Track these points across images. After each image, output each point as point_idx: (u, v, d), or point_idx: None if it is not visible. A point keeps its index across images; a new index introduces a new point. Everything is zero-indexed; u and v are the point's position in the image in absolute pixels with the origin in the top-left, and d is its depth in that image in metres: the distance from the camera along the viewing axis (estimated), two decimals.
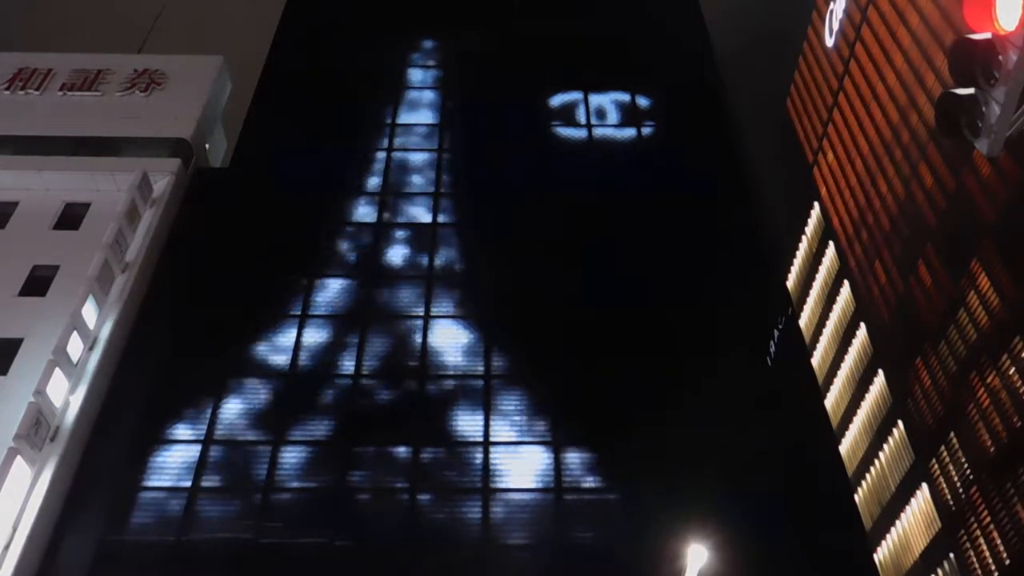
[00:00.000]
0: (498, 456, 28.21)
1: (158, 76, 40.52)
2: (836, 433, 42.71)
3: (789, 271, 52.54)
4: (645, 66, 43.74)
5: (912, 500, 35.27)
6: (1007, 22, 13.62)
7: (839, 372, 44.11)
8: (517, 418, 29.30)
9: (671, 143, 39.89)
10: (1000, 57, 13.76)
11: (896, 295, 37.26)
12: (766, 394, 29.46)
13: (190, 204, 36.96)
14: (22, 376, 28.63)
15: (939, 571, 32.76)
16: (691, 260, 33.99)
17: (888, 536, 37.44)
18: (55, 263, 32.77)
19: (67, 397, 28.24)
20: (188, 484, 27.37)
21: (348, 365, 30.88)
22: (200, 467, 27.81)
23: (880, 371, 38.90)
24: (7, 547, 24.82)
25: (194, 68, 41.38)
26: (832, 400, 44.51)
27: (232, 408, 29.50)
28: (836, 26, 47.33)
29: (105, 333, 30.44)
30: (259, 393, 30.00)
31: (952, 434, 31.85)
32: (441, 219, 36.56)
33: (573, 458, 28.23)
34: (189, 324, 31.85)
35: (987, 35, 14.01)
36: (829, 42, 48.28)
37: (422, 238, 35.64)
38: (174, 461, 28.04)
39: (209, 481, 27.58)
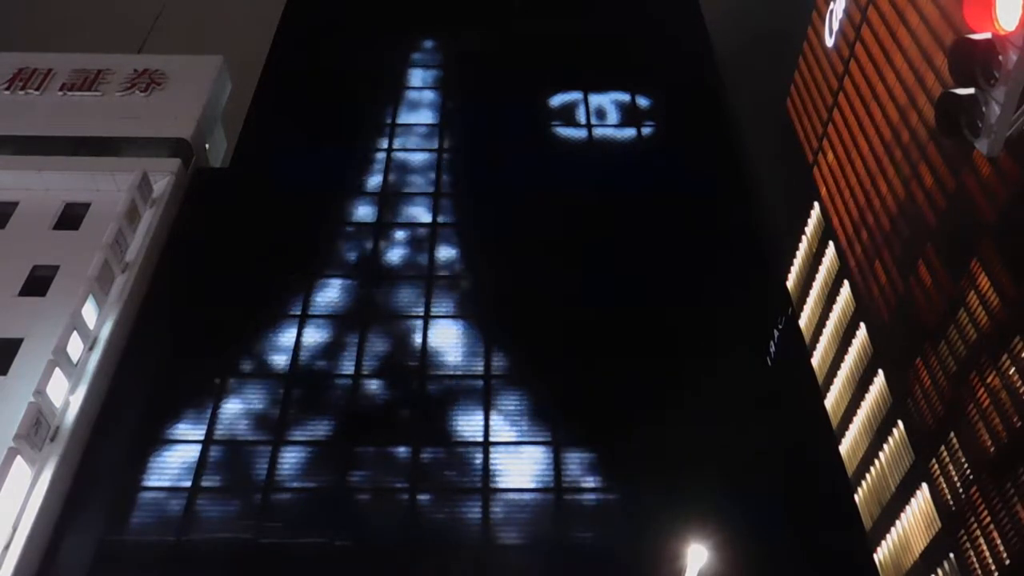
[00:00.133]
0: (498, 456, 28.20)
1: (158, 76, 40.52)
2: (836, 433, 42.71)
3: (789, 271, 52.54)
4: (645, 66, 43.74)
5: (912, 500, 35.27)
6: (1007, 22, 13.62)
7: (839, 372, 44.11)
8: (517, 418, 29.30)
9: (671, 143, 39.89)
10: (1000, 57, 13.76)
11: (896, 295, 37.26)
12: (766, 394, 29.46)
13: (190, 204, 36.96)
14: (22, 376, 28.63)
15: (939, 571, 32.76)
16: (691, 260, 33.98)
17: (888, 536, 37.44)
18: (55, 263, 32.77)
19: (67, 397, 28.24)
20: (188, 484, 27.36)
21: (348, 365, 30.88)
22: (200, 467, 27.81)
23: (880, 371, 38.90)
24: (7, 547, 24.82)
25: (194, 68, 41.38)
26: (832, 400, 44.51)
27: (232, 408, 29.51)
28: (836, 26, 47.34)
29: (105, 333, 30.44)
30: (259, 393, 29.99)
31: (952, 434, 31.85)
32: (441, 219, 36.56)
33: (573, 458, 28.23)
34: (189, 324, 31.84)
35: (987, 35, 14.01)
36: (829, 42, 48.28)
37: (422, 238, 35.64)
38: (174, 461, 28.04)
39: (209, 481, 27.58)
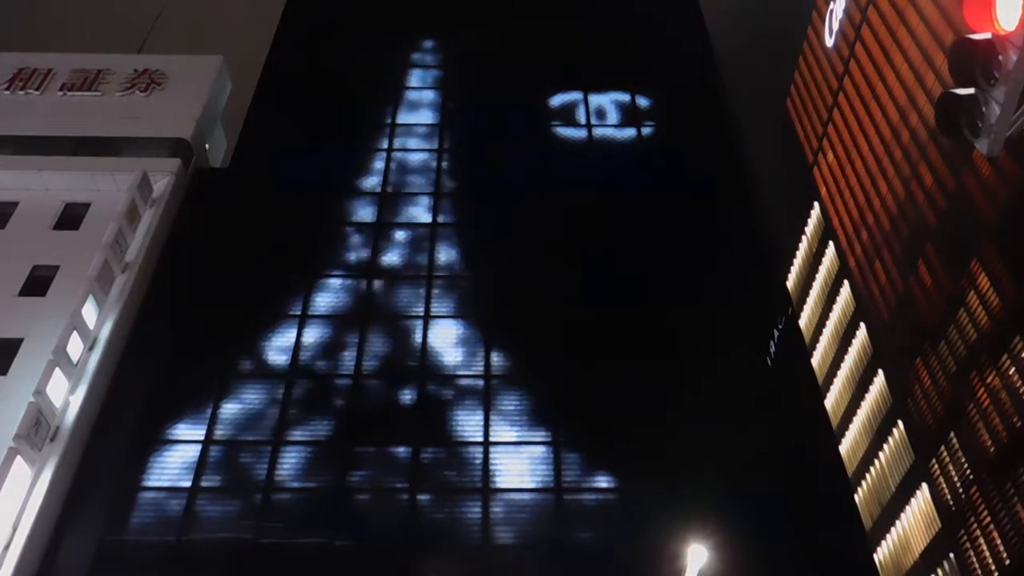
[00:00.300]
0: (498, 456, 28.20)
1: (158, 76, 40.52)
2: (836, 433, 42.71)
3: (789, 271, 52.54)
4: (645, 66, 43.74)
5: (912, 500, 35.27)
6: (1007, 22, 13.63)
7: (839, 372, 44.11)
8: (517, 418, 29.30)
9: (671, 143, 39.89)
10: (1000, 57, 13.77)
11: (896, 295, 37.26)
12: (766, 394, 29.47)
13: (190, 204, 36.95)
14: (22, 376, 28.62)
15: (939, 571, 32.76)
16: (691, 260, 33.99)
17: (888, 536, 37.44)
18: (55, 263, 32.76)
19: (67, 397, 28.24)
20: (188, 484, 27.36)
21: (348, 365, 30.87)
22: (200, 467, 27.80)
23: (880, 371, 38.90)
24: (7, 547, 24.82)
25: (194, 68, 41.37)
26: (832, 400, 44.51)
27: (232, 408, 29.50)
28: (836, 26, 47.34)
29: (105, 333, 30.44)
30: (259, 393, 29.99)
31: (952, 434, 31.85)
32: (441, 219, 36.56)
33: (573, 458, 28.23)
34: (189, 324, 31.84)
35: (987, 35, 14.01)
36: (829, 42, 48.28)
37: (422, 238, 35.64)
38: (174, 461, 28.04)
39: (209, 481, 27.58)
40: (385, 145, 40.07)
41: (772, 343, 32.50)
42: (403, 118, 41.65)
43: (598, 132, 40.64)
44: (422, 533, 26.47)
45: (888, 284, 38.18)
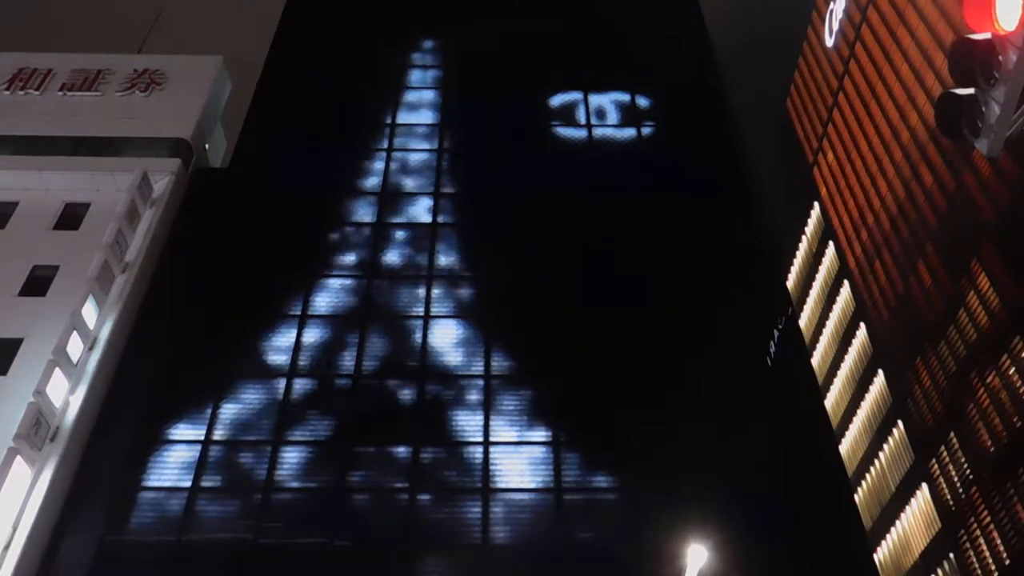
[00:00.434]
0: (498, 456, 28.20)
1: (158, 76, 40.52)
2: (836, 433, 42.73)
3: (789, 271, 52.56)
4: (645, 66, 43.73)
5: (912, 500, 35.28)
6: (1007, 22, 13.64)
7: (839, 372, 44.12)
8: (517, 418, 29.29)
9: (671, 143, 39.88)
10: (1000, 57, 13.77)
11: (896, 295, 37.27)
12: (766, 394, 29.46)
13: (190, 204, 36.95)
14: (22, 376, 28.62)
15: (939, 571, 32.77)
16: (691, 260, 33.98)
17: (888, 536, 37.45)
18: (55, 263, 32.76)
19: (67, 397, 28.23)
20: (188, 484, 27.35)
21: (348, 365, 30.87)
22: (200, 467, 27.79)
23: (880, 371, 38.91)
24: (7, 547, 24.82)
25: (194, 68, 41.37)
26: (832, 400, 44.52)
27: (232, 408, 29.48)
28: (836, 26, 47.35)
29: (105, 333, 30.44)
30: (259, 393, 29.98)
31: (952, 434, 31.86)
32: (441, 219, 36.56)
33: (573, 458, 28.22)
34: (189, 324, 31.84)
35: (987, 35, 14.02)
36: (829, 42, 48.30)
37: (422, 238, 35.64)
38: (174, 461, 28.03)
39: (209, 481, 27.57)
40: (385, 145, 40.06)
41: (772, 343, 32.49)
42: (403, 118, 41.63)
43: (598, 132, 40.63)
44: (422, 533, 26.47)
45: (888, 284, 38.19)
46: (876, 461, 39.22)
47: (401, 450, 28.40)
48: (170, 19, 53.48)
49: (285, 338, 31.67)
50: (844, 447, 42.34)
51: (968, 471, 30.65)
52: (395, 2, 49.14)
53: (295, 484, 27.62)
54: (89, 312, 30.03)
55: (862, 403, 41.01)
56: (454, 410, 29.54)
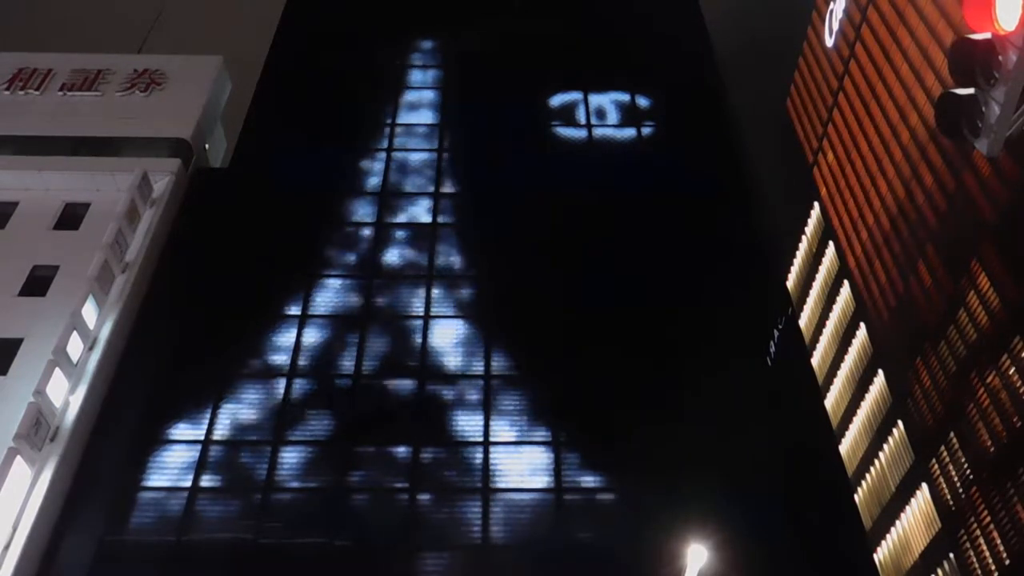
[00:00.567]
0: (498, 456, 28.20)
1: (158, 76, 40.52)
2: (836, 433, 42.72)
3: (789, 271, 52.55)
4: (645, 66, 43.73)
5: (912, 500, 35.27)
6: (1007, 22, 13.64)
7: (839, 372, 44.12)
8: (517, 418, 29.29)
9: (671, 143, 39.88)
10: (1000, 57, 13.78)
11: (896, 295, 37.26)
12: (766, 394, 29.46)
13: (190, 204, 36.95)
14: (22, 376, 28.62)
15: (939, 571, 32.76)
16: (691, 260, 33.98)
17: (888, 536, 37.45)
18: (55, 263, 32.76)
19: (67, 397, 28.24)
20: (188, 484, 27.35)
21: (348, 365, 30.87)
22: (200, 467, 27.80)
23: (880, 371, 38.91)
24: (7, 547, 24.82)
25: (194, 68, 41.37)
26: (832, 400, 44.52)
27: (232, 408, 29.49)
28: (836, 26, 47.35)
29: (105, 333, 30.44)
30: (259, 393, 29.99)
31: (952, 434, 31.86)
32: (441, 219, 36.56)
33: (573, 458, 28.22)
34: (189, 324, 31.84)
35: (987, 35, 14.02)
36: (829, 42, 48.30)
37: (422, 238, 35.64)
38: (174, 461, 28.03)
39: (209, 481, 27.57)
40: (385, 145, 40.07)
41: (772, 343, 32.49)
42: (403, 118, 41.63)
43: (598, 132, 40.63)
44: (422, 533, 26.47)
45: (888, 284, 38.19)
46: (876, 461, 39.22)
47: (401, 450, 28.40)
48: (170, 19, 53.49)
49: (285, 338, 31.67)
50: (844, 447, 42.34)
51: (968, 471, 30.64)
52: (395, 2, 49.14)
53: (295, 484, 27.62)
54: (89, 312, 30.04)
55: (862, 403, 41.00)
56: (454, 410, 29.54)
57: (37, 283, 32.17)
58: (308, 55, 45.08)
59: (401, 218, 36.64)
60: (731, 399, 28.82)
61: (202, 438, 28.56)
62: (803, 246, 51.02)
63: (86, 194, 35.67)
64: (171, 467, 27.88)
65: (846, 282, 43.50)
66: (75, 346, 28.99)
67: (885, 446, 38.27)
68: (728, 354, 30.40)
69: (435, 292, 33.37)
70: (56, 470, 26.59)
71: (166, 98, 39.71)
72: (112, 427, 29.00)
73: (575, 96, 42.51)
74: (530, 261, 34.25)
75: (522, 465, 28.02)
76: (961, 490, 31.02)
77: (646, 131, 40.75)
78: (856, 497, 38.13)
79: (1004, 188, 29.18)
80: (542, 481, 27.60)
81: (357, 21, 47.72)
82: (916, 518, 35.04)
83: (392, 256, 35.02)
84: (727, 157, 39.25)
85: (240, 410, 29.45)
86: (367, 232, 36.00)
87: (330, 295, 33.36)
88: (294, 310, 32.59)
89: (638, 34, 46.03)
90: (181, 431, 28.82)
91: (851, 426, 42.30)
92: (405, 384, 30.42)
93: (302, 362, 30.95)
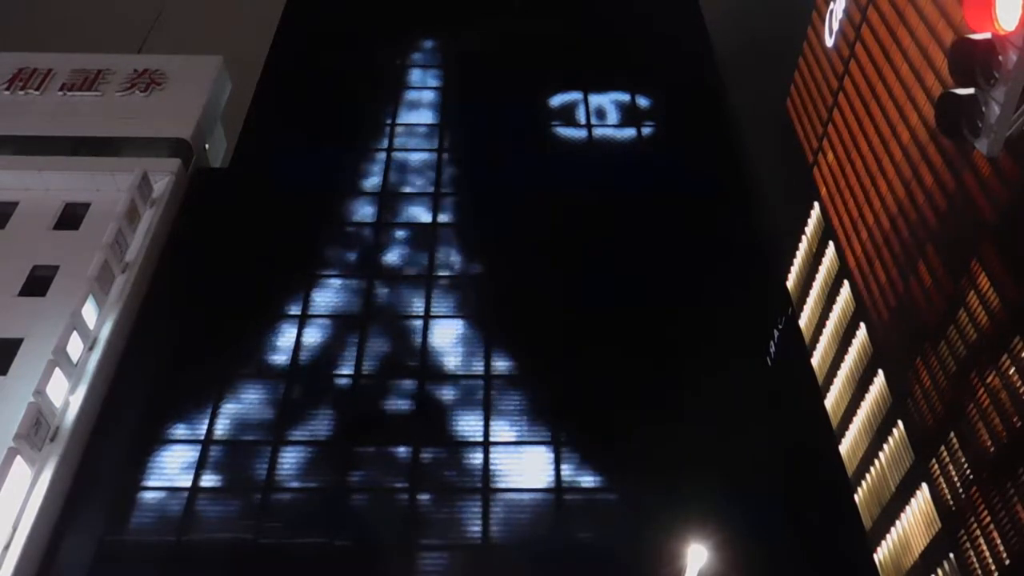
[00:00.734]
0: (498, 456, 28.20)
1: (158, 76, 40.52)
2: (836, 433, 42.72)
3: (789, 271, 52.55)
4: (645, 66, 43.73)
5: (912, 500, 35.28)
6: (1007, 22, 13.64)
7: (839, 372, 44.12)
8: (517, 418, 29.29)
9: (671, 143, 39.88)
10: (1000, 57, 13.78)
11: (896, 295, 37.27)
12: (766, 394, 29.46)
13: (190, 204, 36.95)
14: (22, 376, 28.62)
15: (939, 571, 32.77)
16: (691, 260, 33.97)
17: (888, 536, 37.45)
18: (55, 263, 32.76)
19: (67, 397, 28.23)
20: (188, 484, 27.35)
21: (348, 365, 30.88)
22: (200, 467, 27.80)
23: (880, 371, 38.91)
24: (7, 547, 24.82)
25: (194, 68, 41.37)
26: (832, 400, 44.52)
27: (232, 408, 29.49)
28: (836, 26, 47.35)
29: (105, 333, 30.44)
30: (259, 393, 29.98)
31: (952, 434, 31.86)
32: (441, 219, 36.56)
33: (573, 458, 28.22)
34: (189, 324, 31.84)
35: (987, 35, 14.03)
36: (829, 42, 48.30)
37: (422, 238, 35.64)
38: (174, 461, 28.03)
39: (209, 481, 27.57)
40: (385, 145, 40.07)
41: (772, 343, 32.49)
42: (403, 118, 41.63)
43: (598, 132, 40.63)
44: (422, 533, 26.47)
45: (888, 284, 38.19)
46: (876, 461, 39.22)
47: (401, 450, 28.40)
48: (170, 19, 53.49)
49: (285, 338, 31.67)
50: (844, 447, 42.34)
51: (968, 471, 30.65)
52: (395, 2, 49.13)
53: (295, 484, 27.62)
54: (89, 312, 30.04)
55: (862, 403, 41.00)
56: (454, 410, 29.53)
57: (37, 283, 32.17)
58: (308, 55, 45.08)
59: (401, 218, 36.63)
60: (731, 399, 28.82)
61: (202, 438, 28.57)
62: (803, 246, 51.02)
63: (86, 194, 35.67)
64: (171, 467, 27.88)
65: (846, 282, 43.50)
66: (75, 346, 28.99)
67: (885, 446, 38.27)
68: (728, 354, 30.40)
69: (435, 292, 33.36)
70: (56, 470, 26.59)
71: (166, 98, 39.71)
72: (112, 427, 29.00)
73: (575, 96, 42.51)
74: (530, 261, 34.25)
75: (522, 465, 28.02)
76: (961, 490, 31.02)
77: (646, 131, 40.75)
78: (856, 497, 38.13)
79: (1004, 188, 29.18)
80: (542, 481, 27.60)
81: (357, 21, 47.72)
82: (916, 518, 35.04)
83: (392, 256, 35.01)
84: (727, 157, 39.24)
85: (240, 410, 29.45)
86: (367, 232, 36.01)
87: (330, 295, 33.36)
88: (294, 310, 32.59)
89: (638, 34, 46.02)
90: (181, 431, 28.82)
91: (851, 426, 42.30)
92: (405, 384, 30.42)
93: (302, 362, 30.95)
